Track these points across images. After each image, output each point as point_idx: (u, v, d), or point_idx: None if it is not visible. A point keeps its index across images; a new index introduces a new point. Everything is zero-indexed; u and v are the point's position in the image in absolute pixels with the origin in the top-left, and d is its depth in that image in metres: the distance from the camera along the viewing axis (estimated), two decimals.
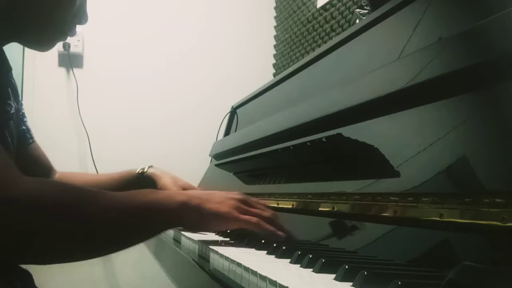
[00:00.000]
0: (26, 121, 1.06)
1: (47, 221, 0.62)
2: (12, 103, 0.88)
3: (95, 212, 0.67)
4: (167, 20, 2.41)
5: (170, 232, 1.12)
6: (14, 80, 0.94)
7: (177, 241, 1.04)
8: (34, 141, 1.09)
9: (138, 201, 0.72)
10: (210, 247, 0.75)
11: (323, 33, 1.89)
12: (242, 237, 0.85)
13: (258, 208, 0.83)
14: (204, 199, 0.78)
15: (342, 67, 1.03)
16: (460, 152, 0.55)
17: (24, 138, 1.05)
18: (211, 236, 0.97)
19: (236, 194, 0.83)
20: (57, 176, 1.18)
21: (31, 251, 0.63)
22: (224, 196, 0.81)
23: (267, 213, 0.82)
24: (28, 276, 0.87)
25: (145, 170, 1.19)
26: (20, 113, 0.99)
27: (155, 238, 1.30)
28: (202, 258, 0.80)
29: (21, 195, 0.61)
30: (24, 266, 0.84)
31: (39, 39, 0.86)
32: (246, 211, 0.80)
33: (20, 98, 0.99)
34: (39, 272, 0.95)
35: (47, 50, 0.89)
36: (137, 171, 1.20)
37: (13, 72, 0.92)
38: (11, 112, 0.87)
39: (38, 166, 1.11)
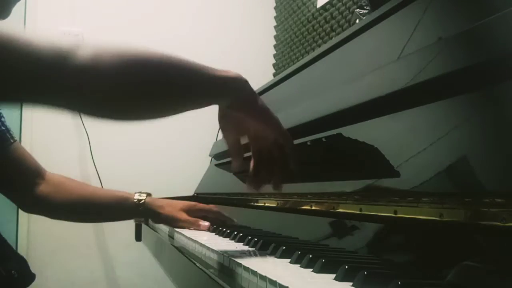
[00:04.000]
0: (4, 121, 1.03)
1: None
2: None
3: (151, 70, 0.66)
4: (167, 20, 2.41)
5: (166, 230, 1.12)
6: None
7: (172, 237, 1.04)
8: (15, 141, 1.07)
9: (192, 63, 0.72)
10: (210, 246, 0.75)
11: (323, 33, 1.88)
12: (243, 237, 0.85)
13: None
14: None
15: (342, 67, 1.03)
16: (460, 152, 0.55)
17: (4, 138, 1.02)
18: (210, 236, 0.97)
19: None
20: (50, 176, 1.15)
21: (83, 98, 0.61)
22: None
23: None
24: (24, 262, 0.87)
25: (141, 200, 1.18)
26: None
27: (154, 238, 1.30)
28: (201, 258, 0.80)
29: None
30: (19, 252, 0.83)
31: None
32: None
33: None
34: (39, 273, 0.95)
35: (5, 17, 0.85)
36: (134, 198, 1.18)
37: None
38: None
39: (23, 167, 1.08)
